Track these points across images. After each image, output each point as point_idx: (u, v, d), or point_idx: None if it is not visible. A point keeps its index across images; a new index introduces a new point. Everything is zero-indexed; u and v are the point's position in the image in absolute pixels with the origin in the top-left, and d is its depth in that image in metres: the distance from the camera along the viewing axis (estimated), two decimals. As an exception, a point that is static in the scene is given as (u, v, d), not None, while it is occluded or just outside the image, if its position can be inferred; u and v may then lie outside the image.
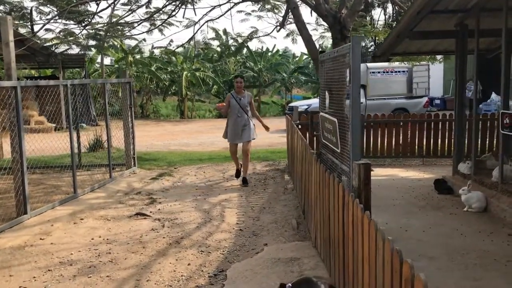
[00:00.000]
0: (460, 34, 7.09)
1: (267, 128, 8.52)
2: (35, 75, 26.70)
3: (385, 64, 21.51)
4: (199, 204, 7.18)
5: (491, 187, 6.24)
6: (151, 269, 4.72)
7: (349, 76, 3.40)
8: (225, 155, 12.29)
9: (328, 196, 4.09)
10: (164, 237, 5.66)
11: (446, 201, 6.77)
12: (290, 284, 1.65)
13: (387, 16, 15.56)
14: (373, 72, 19.81)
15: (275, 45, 34.59)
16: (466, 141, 7.80)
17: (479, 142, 8.76)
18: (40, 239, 5.67)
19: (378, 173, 8.81)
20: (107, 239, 5.67)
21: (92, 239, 5.68)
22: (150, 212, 6.76)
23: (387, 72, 20.87)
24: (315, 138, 8.69)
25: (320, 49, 9.07)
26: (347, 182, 4.09)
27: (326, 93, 4.47)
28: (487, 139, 9.32)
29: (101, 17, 14.32)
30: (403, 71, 20.73)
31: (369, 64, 19.74)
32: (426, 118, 10.10)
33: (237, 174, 8.62)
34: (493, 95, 19.80)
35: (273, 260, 4.68)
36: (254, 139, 8.41)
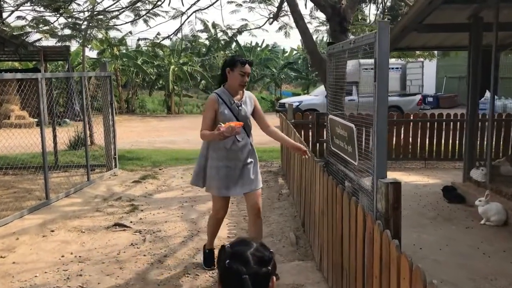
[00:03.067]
0: (474, 27, 6.44)
1: (304, 153, 4.30)
2: (18, 68, 25.70)
3: (378, 60, 20.97)
4: (185, 213, 6.47)
5: (511, 198, 5.62)
6: (128, 298, 4.01)
7: (374, 73, 2.72)
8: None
9: (340, 216, 3.41)
10: (145, 255, 4.94)
11: (458, 212, 6.14)
12: (228, 244, 1.74)
13: (378, 11, 15.00)
14: (366, 69, 19.15)
15: (264, 40, 33.76)
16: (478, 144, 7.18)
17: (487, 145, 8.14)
18: (1, 257, 4.92)
19: (379, 177, 8.17)
20: (80, 256, 4.94)
21: (62, 256, 4.94)
22: (131, 222, 6.03)
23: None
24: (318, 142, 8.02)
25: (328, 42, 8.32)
26: (351, 188, 3.42)
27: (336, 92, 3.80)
28: (501, 143, 8.70)
29: (79, 4, 13.47)
30: (397, 68, 20.15)
31: (362, 61, 19.12)
32: (430, 118, 9.46)
33: (209, 257, 4.61)
34: (488, 94, 19.36)
35: (271, 287, 3.99)
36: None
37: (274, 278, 1.74)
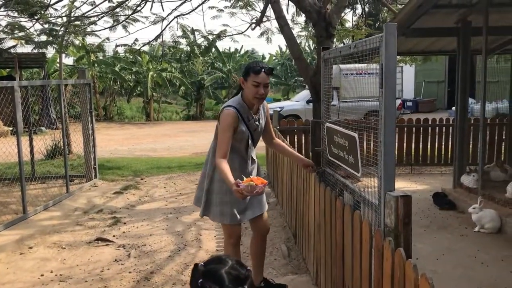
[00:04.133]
0: (463, 31, 6.37)
1: (313, 169, 3.99)
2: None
3: (358, 65, 21.01)
4: (170, 225, 6.22)
5: (504, 205, 5.53)
6: (115, 320, 3.76)
7: (381, 79, 2.55)
8: (196, 162, 11.35)
9: (341, 230, 3.23)
10: (130, 272, 4.68)
11: (451, 219, 6.03)
12: (202, 263, 1.67)
13: (356, 17, 14.97)
14: (346, 74, 19.20)
15: (242, 46, 33.66)
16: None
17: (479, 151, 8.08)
18: (-25, 278, 4.62)
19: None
20: (60, 275, 4.65)
21: (42, 275, 4.65)
22: (113, 236, 5.77)
23: (360, 74, 20.33)
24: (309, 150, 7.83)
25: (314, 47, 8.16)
26: (351, 200, 3.25)
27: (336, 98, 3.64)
28: (487, 147, 8.66)
29: (56, 9, 13.05)
30: (377, 73, 20.13)
31: (342, 66, 19.18)
32: (416, 123, 9.38)
33: None
34: (470, 99, 19.55)
35: (267, 305, 3.79)
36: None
37: None
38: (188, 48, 25.81)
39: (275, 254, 5.15)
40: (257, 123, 3.63)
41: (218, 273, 1.60)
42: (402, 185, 8.07)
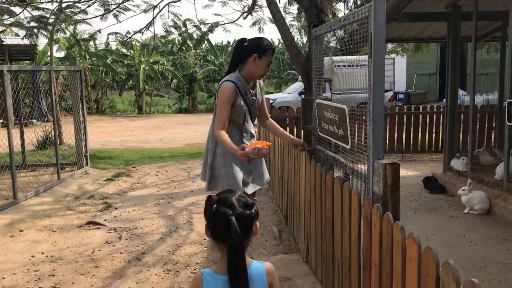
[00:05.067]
0: (453, 16, 6.40)
1: (303, 148, 3.98)
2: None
3: (350, 57, 21.06)
4: (162, 210, 6.22)
5: (493, 186, 5.58)
6: (106, 297, 3.76)
7: (369, 48, 2.56)
8: (188, 152, 11.34)
9: (331, 204, 3.25)
10: (121, 252, 4.68)
11: (441, 202, 6.08)
12: (215, 194, 1.89)
13: (348, 10, 14.97)
14: (339, 66, 19.22)
15: (234, 39, 33.56)
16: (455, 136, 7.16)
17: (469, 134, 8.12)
18: (-35, 259, 4.60)
19: (359, 170, 8.08)
20: (51, 256, 4.64)
21: (32, 256, 4.64)
22: (105, 220, 5.75)
23: (353, 65, 20.36)
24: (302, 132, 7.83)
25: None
26: (341, 175, 3.26)
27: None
28: (477, 133, 8.72)
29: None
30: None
31: (335, 58, 19.23)
32: (407, 110, 9.43)
33: None
34: (460, 91, 19.65)
35: (258, 282, 3.80)
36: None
37: (257, 223, 1.89)
38: (180, 39, 25.66)
39: (266, 235, 5.17)
40: (254, 98, 3.68)
41: (230, 200, 1.84)
42: (393, 171, 8.11)
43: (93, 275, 4.17)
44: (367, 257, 2.59)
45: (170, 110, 29.52)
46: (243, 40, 3.61)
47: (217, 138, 3.50)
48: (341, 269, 3.10)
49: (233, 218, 1.77)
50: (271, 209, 6.14)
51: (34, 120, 19.73)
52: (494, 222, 5.18)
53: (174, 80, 27.99)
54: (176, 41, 27.59)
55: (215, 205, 1.81)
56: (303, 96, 9.58)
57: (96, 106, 27.76)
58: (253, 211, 1.85)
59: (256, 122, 4.41)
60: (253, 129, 3.81)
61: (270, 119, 3.96)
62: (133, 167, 9.27)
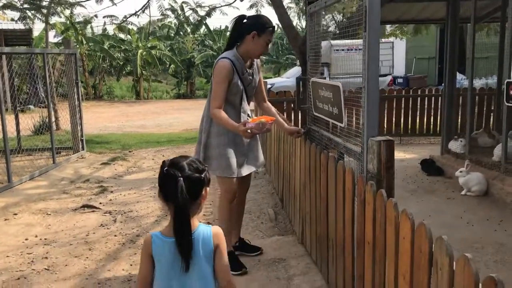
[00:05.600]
0: (452, -4, 6.31)
1: (298, 134, 3.79)
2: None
3: (349, 41, 20.88)
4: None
5: (491, 168, 5.54)
6: (98, 278, 3.73)
7: (364, 21, 2.49)
8: (186, 137, 11.28)
9: (325, 184, 3.21)
10: (115, 235, 4.65)
11: (438, 184, 6.04)
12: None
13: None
14: (337, 50, 19.06)
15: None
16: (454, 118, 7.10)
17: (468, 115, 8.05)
18: (-42, 242, 4.56)
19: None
20: (45, 239, 4.61)
21: (26, 239, 4.61)
22: (100, 203, 5.72)
23: (351, 49, 20.18)
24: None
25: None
26: (336, 154, 3.21)
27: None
28: (476, 116, 8.65)
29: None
30: (368, 49, 20.11)
31: (333, 42, 19.09)
32: (405, 93, 9.36)
33: (233, 261, 3.54)
34: (458, 75, 19.51)
35: (252, 263, 3.77)
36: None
37: (208, 188, 1.96)
38: (176, 22, 25.38)
39: (262, 218, 5.14)
40: (250, 77, 3.59)
41: (180, 163, 1.88)
42: (391, 154, 8.06)
43: (87, 257, 4.14)
44: (361, 236, 2.55)
45: (168, 95, 29.36)
46: (242, 17, 3.52)
47: (214, 116, 3.41)
48: (335, 249, 3.06)
49: (181, 179, 1.81)
50: (267, 192, 6.10)
51: (31, 106, 19.63)
52: (491, 203, 5.15)
53: (172, 66, 27.80)
54: (173, 25, 27.31)
55: (166, 168, 1.86)
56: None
57: (93, 91, 27.60)
58: (202, 175, 1.90)
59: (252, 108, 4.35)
60: (249, 110, 3.74)
61: (267, 102, 3.85)
62: (129, 152, 9.22)
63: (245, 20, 3.50)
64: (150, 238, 1.94)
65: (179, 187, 1.80)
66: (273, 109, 3.81)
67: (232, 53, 3.48)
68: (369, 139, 2.53)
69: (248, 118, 3.56)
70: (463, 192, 5.46)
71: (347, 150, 2.94)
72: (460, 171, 5.45)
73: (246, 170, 3.69)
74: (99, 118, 16.98)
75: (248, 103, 3.71)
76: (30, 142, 9.91)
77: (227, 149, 3.53)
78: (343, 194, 2.83)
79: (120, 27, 21.97)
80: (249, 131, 3.22)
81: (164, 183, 1.88)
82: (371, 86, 2.54)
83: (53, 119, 12.42)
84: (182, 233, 1.86)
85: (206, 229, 1.95)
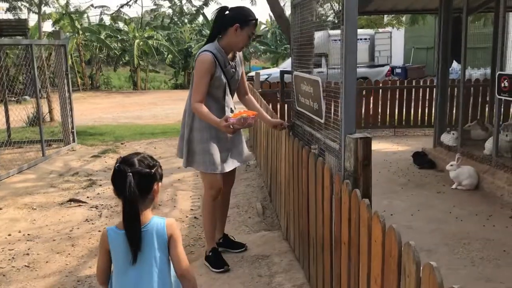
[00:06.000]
0: (445, -15, 6.19)
1: (282, 126, 3.72)
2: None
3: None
4: (146, 186, 6.11)
5: (482, 161, 5.46)
6: (78, 276, 3.67)
7: (341, 10, 2.40)
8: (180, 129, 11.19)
9: (306, 180, 3.14)
10: (99, 230, 4.59)
11: (429, 177, 5.97)
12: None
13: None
14: (335, 40, 18.83)
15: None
16: (448, 110, 7.01)
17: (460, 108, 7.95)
18: None
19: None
20: (28, 234, 4.55)
21: (9, 235, 4.55)
22: (87, 197, 5.66)
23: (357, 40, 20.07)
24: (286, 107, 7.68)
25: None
26: (317, 150, 3.12)
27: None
28: (470, 109, 8.55)
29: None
30: (365, 39, 19.94)
31: (331, 32, 18.89)
32: (400, 84, 9.27)
33: (216, 258, 3.60)
34: (455, 64, 19.36)
35: (235, 260, 3.71)
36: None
37: (160, 184, 2.04)
38: (171, 11, 25.10)
39: (250, 212, 5.08)
40: (233, 70, 3.50)
41: (131, 160, 1.97)
42: (384, 146, 8.00)
43: (69, 253, 4.08)
44: (338, 235, 2.48)
45: (166, 86, 29.25)
46: (224, 8, 3.42)
47: (195, 110, 3.32)
48: (315, 247, 3.00)
49: (130, 175, 1.89)
50: (257, 185, 6.04)
51: (27, 97, 19.51)
52: (481, 198, 5.08)
53: (169, 56, 27.68)
54: (167, 14, 27.09)
55: (117, 164, 1.96)
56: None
57: (90, 82, 27.48)
58: (152, 171, 1.97)
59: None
60: (233, 104, 3.65)
61: (249, 94, 3.76)
62: (121, 144, 9.14)
63: (227, 12, 3.40)
64: (106, 232, 2.01)
65: (128, 182, 1.88)
66: (254, 102, 3.72)
67: (213, 45, 3.39)
68: (346, 136, 2.45)
69: (230, 112, 3.48)
70: (453, 186, 5.39)
71: (327, 146, 2.86)
72: (451, 165, 5.38)
73: (230, 166, 3.61)
74: (95, 109, 16.90)
75: (232, 97, 3.63)
76: (23, 134, 9.84)
77: (210, 144, 3.44)
78: (322, 192, 2.76)
79: (113, 18, 21.75)
80: (231, 126, 3.15)
81: (114, 179, 1.96)
82: (349, 81, 2.45)
83: (46, 110, 12.41)
84: (131, 225, 1.93)
85: (160, 221, 2.02)
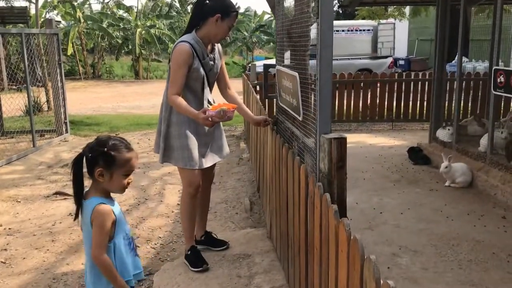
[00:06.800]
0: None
1: (266, 123, 3.60)
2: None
3: (350, 22, 20.43)
4: (136, 179, 6.01)
5: (477, 158, 5.33)
6: (55, 273, 3.59)
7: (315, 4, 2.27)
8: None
9: (286, 178, 3.02)
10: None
11: (423, 174, 5.84)
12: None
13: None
14: (337, 31, 18.65)
15: (237, 3, 32.76)
16: (446, 105, 6.86)
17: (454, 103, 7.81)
18: None
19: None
20: (9, 228, 4.47)
21: (-10, 228, 4.48)
22: (74, 190, 5.56)
23: (352, 30, 19.81)
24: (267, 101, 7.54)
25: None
26: (297, 148, 2.99)
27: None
28: (469, 103, 8.39)
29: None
30: (368, 30, 19.71)
31: (334, 22, 18.68)
32: (398, 77, 9.11)
33: (195, 257, 3.49)
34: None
35: (216, 259, 3.61)
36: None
37: (102, 169, 2.17)
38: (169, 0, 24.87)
39: (238, 208, 4.98)
40: (212, 62, 3.36)
41: (92, 141, 2.24)
42: (380, 140, 7.87)
43: (48, 249, 4.00)
44: (311, 240, 2.37)
45: (168, 75, 29.04)
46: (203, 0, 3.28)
47: (172, 103, 3.18)
48: (293, 248, 2.90)
49: (81, 153, 2.21)
50: (248, 179, 5.93)
51: (29, 86, 19.45)
52: (474, 196, 4.95)
53: (172, 45, 27.45)
54: (167, 2, 26.84)
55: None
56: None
57: (92, 71, 27.35)
58: (90, 155, 2.16)
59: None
60: (211, 98, 3.53)
61: (232, 90, 3.60)
62: (115, 134, 9.01)
63: (207, 1, 3.26)
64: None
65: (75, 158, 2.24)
66: (237, 98, 3.58)
67: (191, 36, 3.24)
68: (320, 136, 2.33)
69: (209, 105, 3.35)
70: (447, 183, 5.26)
71: (305, 145, 2.74)
72: (446, 167, 5.16)
73: (209, 161, 3.49)
74: (95, 98, 16.81)
75: (210, 90, 3.50)
76: (20, 123, 9.74)
77: (189, 139, 3.31)
78: (299, 192, 2.65)
79: (118, 5, 21.59)
80: (209, 119, 3.03)
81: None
82: (324, 78, 2.33)
83: (44, 99, 12.33)
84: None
85: (93, 204, 2.16)
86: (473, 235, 3.99)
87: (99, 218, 2.13)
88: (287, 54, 3.29)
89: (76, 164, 2.20)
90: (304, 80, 2.71)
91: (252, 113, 3.71)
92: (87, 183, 2.25)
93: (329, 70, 2.33)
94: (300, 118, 2.74)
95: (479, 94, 8.34)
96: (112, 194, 2.31)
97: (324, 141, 2.30)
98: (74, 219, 2.29)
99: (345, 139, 2.28)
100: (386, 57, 19.16)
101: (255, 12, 33.92)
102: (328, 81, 2.33)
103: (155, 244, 4.14)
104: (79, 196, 2.23)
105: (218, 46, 3.44)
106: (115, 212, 2.22)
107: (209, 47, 3.35)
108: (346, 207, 2.28)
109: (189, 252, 3.52)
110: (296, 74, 2.69)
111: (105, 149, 2.14)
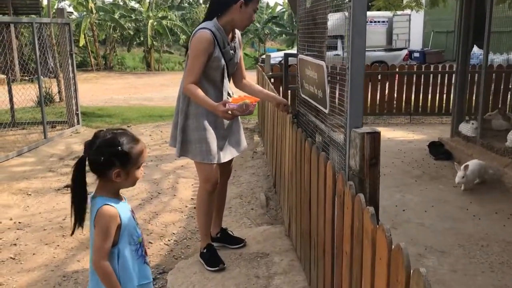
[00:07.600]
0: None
1: (286, 108, 3.48)
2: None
3: (368, 13, 20.12)
4: (148, 173, 5.87)
5: (504, 154, 5.10)
6: (65, 270, 3.45)
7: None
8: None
9: (309, 174, 2.84)
10: (94, 220, 4.37)
11: (445, 169, 5.62)
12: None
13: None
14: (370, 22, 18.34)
15: (248, -6, 32.35)
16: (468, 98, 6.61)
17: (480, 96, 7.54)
18: None
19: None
20: (19, 222, 4.34)
21: (0, 222, 4.35)
22: (85, 183, 5.43)
23: (370, 22, 19.48)
24: (289, 93, 7.35)
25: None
26: (321, 143, 2.81)
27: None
28: (490, 96, 8.11)
29: None
30: (383, 21, 19.37)
31: (348, 14, 18.34)
32: (417, 70, 8.86)
33: (212, 255, 3.33)
34: (475, 48, 18.70)
35: (232, 258, 3.45)
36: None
37: (116, 171, 2.05)
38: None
39: (253, 203, 4.81)
40: (232, 52, 3.17)
41: (91, 140, 2.14)
42: (399, 134, 7.65)
43: (58, 245, 3.86)
44: (340, 243, 2.20)
45: (180, 67, 28.91)
46: None
47: (188, 92, 2.99)
48: (316, 249, 2.72)
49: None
50: (263, 174, 5.76)
51: (40, 76, 19.42)
52: (501, 194, 4.73)
53: (183, 36, 27.31)
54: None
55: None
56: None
57: (104, 62, 27.30)
58: (101, 158, 2.02)
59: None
60: (230, 89, 3.35)
61: (247, 79, 3.43)
62: (128, 126, 8.91)
63: None
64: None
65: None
66: (254, 85, 3.41)
67: (212, 23, 3.05)
68: (352, 131, 2.15)
69: (229, 97, 3.18)
70: (462, 188, 4.91)
71: (331, 140, 2.56)
72: (463, 177, 4.80)
73: (227, 156, 3.32)
74: (107, 89, 16.74)
75: (229, 81, 3.31)
76: (32, 114, 9.65)
77: (207, 132, 3.13)
78: (324, 191, 2.47)
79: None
80: (229, 112, 2.86)
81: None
82: (356, 67, 2.14)
83: (55, 90, 12.23)
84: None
85: (99, 205, 2.04)
86: (503, 235, 3.78)
87: (102, 221, 2.00)
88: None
89: (79, 171, 2.05)
90: (331, 70, 2.52)
91: (272, 94, 3.56)
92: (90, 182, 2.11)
93: (362, 58, 2.14)
94: (326, 111, 2.55)
95: (502, 87, 8.06)
96: (123, 189, 2.15)
97: (355, 136, 2.11)
98: (71, 234, 2.14)
99: (379, 133, 2.09)
100: (401, 49, 18.84)
101: (267, 3, 33.65)
102: (361, 70, 2.14)
103: (169, 240, 3.99)
104: (80, 207, 2.10)
105: (238, 35, 3.26)
106: (122, 215, 2.05)
107: (230, 35, 3.16)
108: (378, 209, 2.09)
109: (204, 250, 3.36)
110: (323, 63, 2.50)
111: (119, 148, 2.00)
